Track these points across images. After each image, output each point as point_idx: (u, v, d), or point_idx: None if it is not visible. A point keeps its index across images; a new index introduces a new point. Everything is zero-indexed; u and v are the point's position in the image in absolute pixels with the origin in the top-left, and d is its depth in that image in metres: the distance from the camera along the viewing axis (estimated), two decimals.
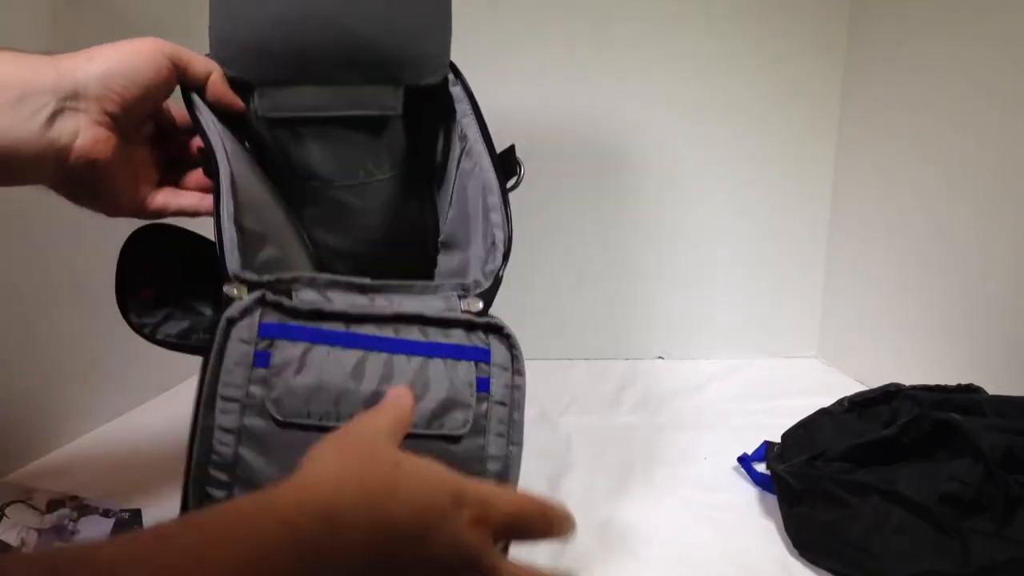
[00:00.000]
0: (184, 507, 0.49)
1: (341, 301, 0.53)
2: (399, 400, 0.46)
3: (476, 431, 0.53)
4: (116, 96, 0.50)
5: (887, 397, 0.71)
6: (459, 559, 0.36)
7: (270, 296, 0.51)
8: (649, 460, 0.79)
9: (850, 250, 1.01)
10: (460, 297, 0.56)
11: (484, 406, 0.54)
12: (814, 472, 0.64)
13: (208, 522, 0.30)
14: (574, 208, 1.02)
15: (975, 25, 0.79)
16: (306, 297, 0.52)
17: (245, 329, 0.50)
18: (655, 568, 0.62)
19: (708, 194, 1.02)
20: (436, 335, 0.54)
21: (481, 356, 0.55)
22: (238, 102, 0.58)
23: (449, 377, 0.53)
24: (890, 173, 0.92)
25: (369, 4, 0.60)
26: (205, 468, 0.48)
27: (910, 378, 0.74)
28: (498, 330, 0.55)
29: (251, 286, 0.51)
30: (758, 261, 1.05)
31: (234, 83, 0.58)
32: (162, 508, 0.68)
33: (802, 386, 0.97)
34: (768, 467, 0.72)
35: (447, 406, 0.52)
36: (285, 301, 0.51)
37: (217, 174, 0.52)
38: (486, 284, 0.57)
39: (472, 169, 0.62)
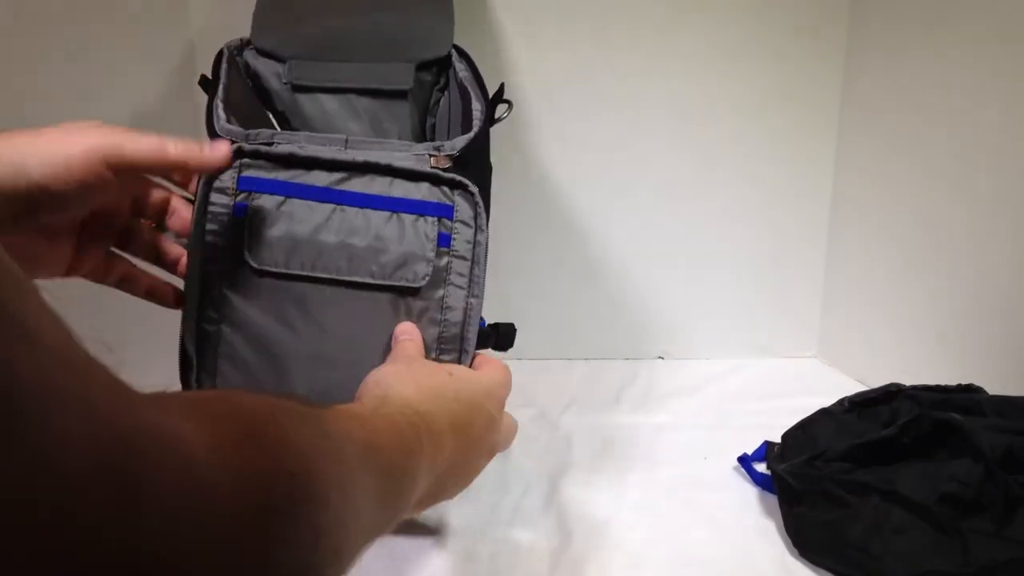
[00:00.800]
0: (182, 342, 0.57)
1: (315, 150, 0.58)
2: (412, 334, 0.56)
3: (435, 283, 0.58)
4: (46, 208, 0.47)
5: (887, 397, 0.71)
6: (492, 432, 0.52)
7: (247, 146, 0.57)
8: (649, 460, 0.79)
9: (850, 250, 1.01)
10: (431, 155, 0.60)
11: (444, 260, 0.58)
12: (814, 472, 0.64)
13: (355, 409, 0.41)
14: (573, 208, 1.02)
15: (975, 26, 0.79)
16: (283, 148, 0.58)
17: (227, 180, 0.56)
18: (655, 568, 0.62)
19: (708, 194, 1.02)
20: (403, 188, 0.58)
21: (445, 212, 0.59)
22: (215, 154, 0.56)
23: (412, 231, 0.58)
24: (890, 173, 0.92)
25: None
26: (197, 308, 0.56)
27: (910, 378, 0.74)
28: (463, 186, 0.59)
29: (234, 142, 0.57)
30: (758, 261, 1.05)
31: (268, 55, 0.67)
32: None
33: (802, 386, 0.96)
34: (768, 467, 0.72)
35: (407, 259, 0.57)
36: (262, 148, 0.57)
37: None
38: (459, 147, 0.60)
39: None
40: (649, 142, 1.00)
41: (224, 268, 0.56)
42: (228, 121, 0.59)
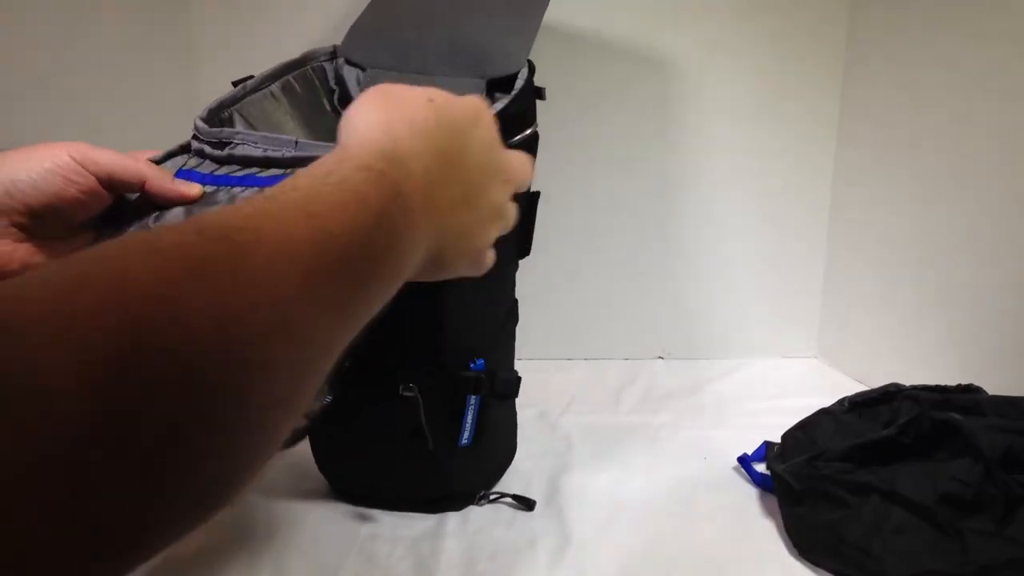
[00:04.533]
0: None
1: (248, 150, 0.58)
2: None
3: None
4: (23, 208, 0.48)
5: (887, 397, 0.71)
6: (490, 161, 0.43)
7: (195, 144, 0.59)
8: (649, 460, 0.79)
9: (850, 251, 1.01)
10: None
11: None
12: (814, 472, 0.64)
13: (302, 183, 0.32)
14: (573, 209, 1.02)
15: (975, 26, 0.79)
16: (238, 149, 0.58)
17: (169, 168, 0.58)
18: (655, 568, 0.62)
19: (708, 194, 1.02)
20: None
21: None
22: (185, 194, 0.57)
23: None
24: (890, 173, 0.92)
25: (469, 16, 0.72)
26: None
27: (910, 378, 0.74)
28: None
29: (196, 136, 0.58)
30: (758, 261, 1.05)
31: (354, 64, 0.70)
32: None
33: (802, 386, 0.97)
34: (768, 467, 0.72)
35: None
36: (206, 148, 0.58)
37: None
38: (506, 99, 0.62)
39: None
40: (648, 142, 1.00)
41: None
42: (204, 120, 0.61)
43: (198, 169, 0.58)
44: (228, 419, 0.24)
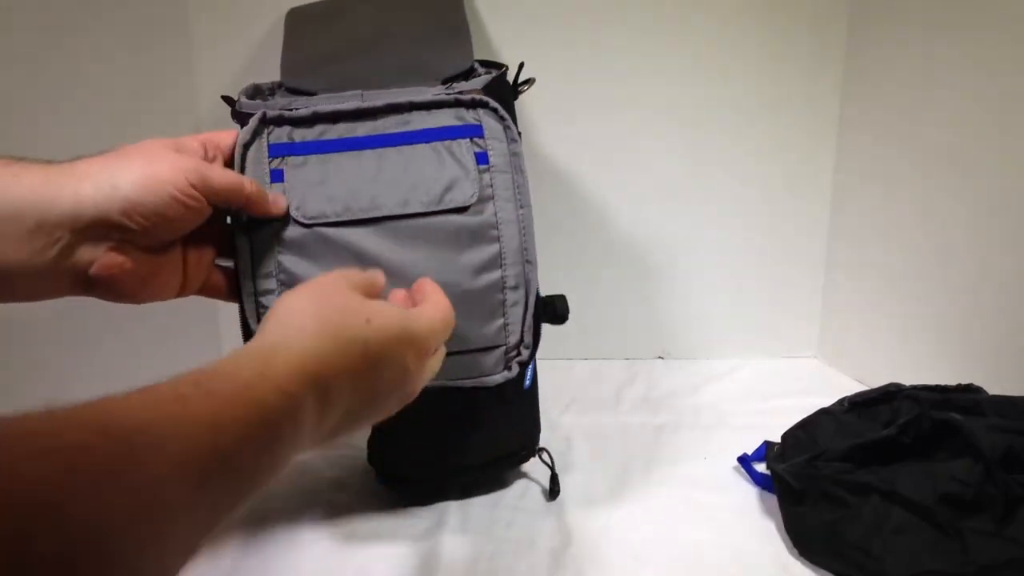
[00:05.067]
0: (243, 314, 0.58)
1: (335, 106, 0.61)
2: (373, 273, 0.52)
3: (483, 199, 0.59)
4: (136, 227, 0.49)
5: (887, 397, 0.71)
6: (403, 385, 0.47)
7: (270, 113, 0.60)
8: (649, 460, 0.79)
9: (850, 250, 1.01)
10: (448, 88, 0.63)
11: (487, 176, 0.60)
12: (814, 472, 0.64)
13: (218, 389, 0.33)
14: (573, 208, 1.02)
15: (975, 26, 0.79)
16: (303, 111, 0.60)
17: (255, 150, 0.59)
18: (655, 568, 0.62)
19: (708, 194, 1.02)
20: (431, 120, 0.60)
21: (474, 132, 0.61)
22: (277, 212, 0.59)
23: (449, 157, 0.59)
24: (890, 173, 0.92)
25: (404, 24, 0.74)
26: (255, 280, 0.57)
27: (910, 378, 0.74)
28: (484, 104, 0.61)
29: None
30: (758, 261, 1.05)
31: (299, 92, 0.68)
32: None
33: (802, 386, 0.97)
34: (768, 467, 0.72)
35: (452, 183, 0.59)
36: (285, 113, 0.59)
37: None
38: (479, 87, 0.63)
39: None
40: (648, 142, 1.00)
41: (272, 233, 0.57)
42: (249, 98, 0.63)
43: (286, 139, 0.59)
44: None
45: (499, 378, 0.60)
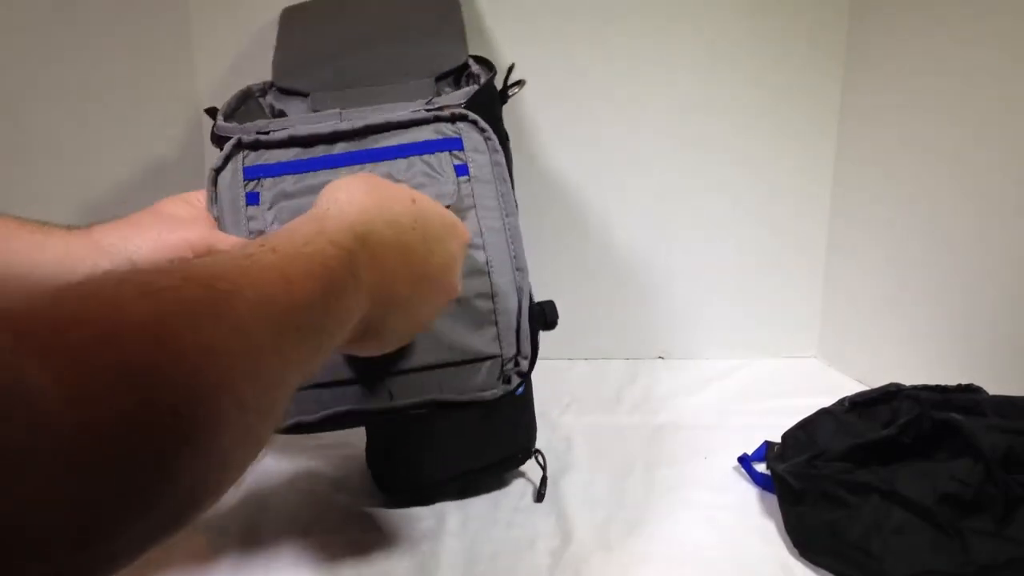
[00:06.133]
0: None
1: (313, 128, 0.59)
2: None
3: (464, 208, 0.59)
4: None
5: (887, 397, 0.71)
6: (450, 273, 0.48)
7: (245, 137, 0.59)
8: (649, 460, 0.79)
9: (850, 250, 1.01)
10: (427, 111, 0.62)
11: (467, 186, 0.60)
12: (814, 472, 0.64)
13: (280, 246, 0.35)
14: (573, 208, 1.02)
15: (975, 24, 0.79)
16: (280, 133, 0.59)
17: (230, 174, 0.58)
18: (655, 568, 0.62)
19: (708, 194, 1.02)
20: (410, 136, 0.60)
21: (454, 145, 0.60)
22: None
23: (427, 169, 0.59)
24: (890, 173, 0.92)
25: (398, 21, 0.73)
26: None
27: (910, 378, 0.74)
28: (463, 117, 0.61)
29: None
30: (758, 261, 1.04)
31: (292, 92, 0.67)
32: None
33: (802, 386, 0.96)
34: (768, 467, 0.72)
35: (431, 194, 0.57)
36: (261, 137, 0.59)
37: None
38: (460, 100, 0.62)
39: None
40: (648, 142, 1.00)
41: None
42: (225, 120, 0.62)
43: (262, 161, 0.59)
44: (201, 447, 0.26)
45: (498, 391, 0.59)
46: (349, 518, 0.69)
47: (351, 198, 0.42)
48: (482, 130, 0.60)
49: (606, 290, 1.05)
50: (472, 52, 0.72)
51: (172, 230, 0.53)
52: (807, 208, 1.03)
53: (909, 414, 0.65)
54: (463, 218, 0.59)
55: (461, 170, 0.60)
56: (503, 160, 0.60)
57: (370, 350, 0.48)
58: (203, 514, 0.28)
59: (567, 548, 0.64)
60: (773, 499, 0.68)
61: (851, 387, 0.93)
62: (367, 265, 0.39)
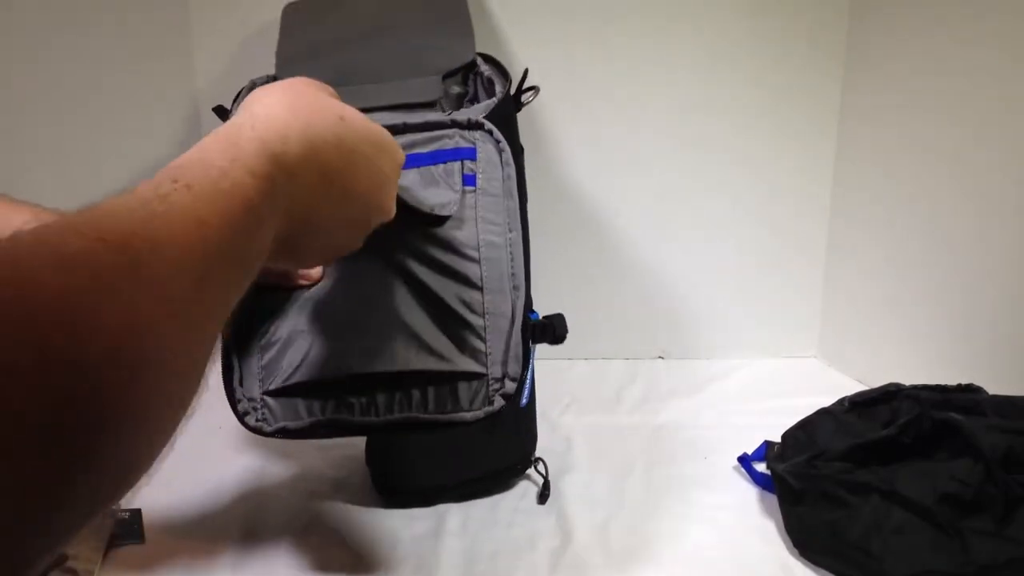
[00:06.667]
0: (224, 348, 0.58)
1: None
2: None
3: (465, 219, 0.58)
4: None
5: (887, 397, 0.71)
6: (380, 192, 0.46)
7: None
8: (649, 460, 0.79)
9: (850, 250, 1.00)
10: (450, 115, 0.60)
11: (471, 197, 0.58)
12: (814, 472, 0.64)
13: (195, 182, 0.33)
14: (573, 208, 1.02)
15: (975, 24, 0.79)
16: None
17: None
18: (655, 568, 0.62)
19: (708, 194, 1.02)
20: (420, 143, 0.58)
21: (467, 154, 0.59)
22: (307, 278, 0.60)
23: (439, 180, 0.58)
24: (890, 173, 0.92)
25: (404, 16, 0.72)
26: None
27: (910, 378, 0.74)
28: (480, 126, 0.59)
29: None
30: (758, 261, 1.04)
31: None
32: (162, 510, 0.68)
33: (802, 386, 0.96)
34: (768, 467, 0.72)
35: (439, 209, 0.57)
36: None
37: None
38: (479, 114, 0.60)
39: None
40: (648, 142, 1.00)
41: None
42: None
43: None
44: (132, 414, 0.26)
45: (480, 414, 0.57)
46: (349, 518, 0.69)
47: (269, 112, 0.40)
48: (497, 141, 0.59)
49: (606, 290, 1.05)
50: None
51: None
52: (807, 208, 1.03)
53: (909, 414, 0.65)
54: (459, 228, 0.58)
55: (468, 180, 0.58)
56: (515, 175, 0.59)
57: (284, 265, 0.47)
58: (133, 485, 0.28)
59: (567, 548, 0.64)
60: (773, 499, 0.68)
61: (851, 387, 0.93)
62: (285, 186, 0.37)
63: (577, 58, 0.97)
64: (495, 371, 0.57)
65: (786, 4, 0.96)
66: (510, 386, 0.57)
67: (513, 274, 0.58)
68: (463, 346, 0.57)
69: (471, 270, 0.57)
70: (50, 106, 0.77)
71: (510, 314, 0.58)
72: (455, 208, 0.57)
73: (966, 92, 0.80)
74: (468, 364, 0.57)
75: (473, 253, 0.58)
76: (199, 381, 0.31)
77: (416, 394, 0.57)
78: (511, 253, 0.58)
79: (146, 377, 0.26)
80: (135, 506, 0.66)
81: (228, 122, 0.39)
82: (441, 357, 0.56)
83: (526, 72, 0.68)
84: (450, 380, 0.57)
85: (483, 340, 0.57)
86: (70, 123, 0.80)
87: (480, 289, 0.57)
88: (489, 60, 0.70)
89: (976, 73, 0.79)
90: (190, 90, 0.97)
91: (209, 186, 0.33)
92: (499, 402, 0.57)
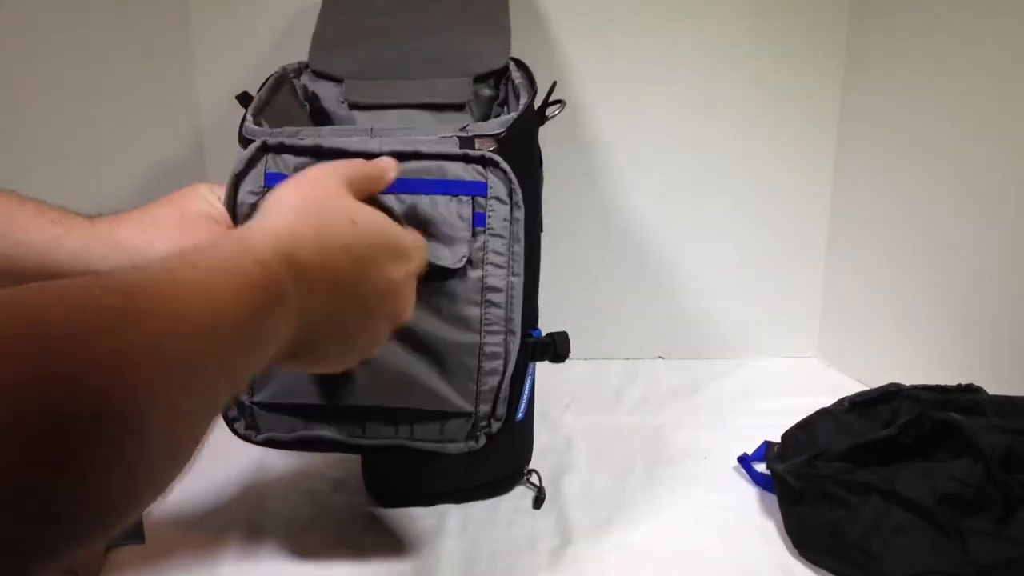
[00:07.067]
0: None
1: (341, 142, 0.56)
2: (379, 162, 0.50)
3: (474, 263, 0.57)
4: None
5: (887, 397, 0.71)
6: (392, 299, 0.46)
7: (271, 140, 0.56)
8: (649, 460, 0.79)
9: (850, 250, 1.01)
10: (461, 139, 0.58)
11: (481, 240, 0.57)
12: (814, 472, 0.64)
13: (201, 262, 0.33)
14: (573, 208, 1.02)
15: (975, 24, 0.79)
16: (308, 140, 0.56)
17: (252, 181, 0.55)
18: (655, 568, 0.62)
19: (708, 194, 1.02)
20: (432, 171, 0.57)
21: (478, 190, 0.57)
22: None
23: (447, 212, 0.56)
24: (890, 173, 0.92)
25: (443, 13, 0.71)
26: None
27: (910, 378, 0.74)
28: (494, 163, 0.57)
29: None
30: (758, 261, 1.04)
31: (326, 77, 0.66)
32: (162, 510, 0.68)
33: (802, 386, 0.96)
34: (768, 467, 0.72)
35: (443, 241, 0.56)
36: (286, 141, 0.56)
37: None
38: (496, 129, 0.58)
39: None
40: (648, 142, 1.00)
41: None
42: (255, 124, 0.60)
43: (282, 169, 0.57)
44: (122, 452, 0.26)
45: (463, 448, 0.58)
46: (349, 518, 0.69)
47: (278, 215, 0.40)
48: (509, 181, 0.58)
49: (606, 290, 1.05)
50: None
51: (188, 234, 0.52)
52: (807, 208, 1.03)
53: (909, 414, 0.65)
54: (468, 273, 0.57)
55: (479, 219, 0.57)
56: (522, 217, 0.58)
57: (309, 368, 0.46)
58: (117, 529, 0.28)
59: (567, 548, 0.64)
60: (773, 499, 0.68)
61: (851, 387, 0.93)
62: (292, 285, 0.38)
63: (577, 58, 0.97)
64: (483, 410, 0.58)
65: (786, 4, 0.96)
66: (495, 426, 0.58)
67: (510, 319, 0.58)
68: (456, 386, 0.57)
69: (471, 312, 0.57)
70: (50, 106, 0.77)
71: (504, 358, 0.58)
72: (466, 259, 0.57)
73: (966, 92, 0.80)
74: (459, 403, 0.57)
75: (475, 297, 0.57)
76: (196, 441, 0.31)
77: (404, 426, 0.57)
78: (511, 296, 0.58)
79: (141, 409, 0.26)
80: None
81: (242, 225, 0.41)
82: (435, 396, 0.57)
83: (553, 85, 0.66)
84: (441, 417, 0.57)
85: (475, 382, 0.57)
86: (70, 123, 0.80)
87: (478, 332, 0.57)
88: (521, 67, 0.69)
89: (976, 73, 0.79)
90: (190, 90, 0.97)
91: (215, 265, 0.34)
92: (483, 440, 0.58)
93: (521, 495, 0.73)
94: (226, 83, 0.94)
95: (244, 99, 0.64)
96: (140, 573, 0.61)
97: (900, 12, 0.89)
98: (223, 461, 0.75)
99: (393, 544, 0.65)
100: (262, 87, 0.65)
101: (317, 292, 0.40)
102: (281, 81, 0.68)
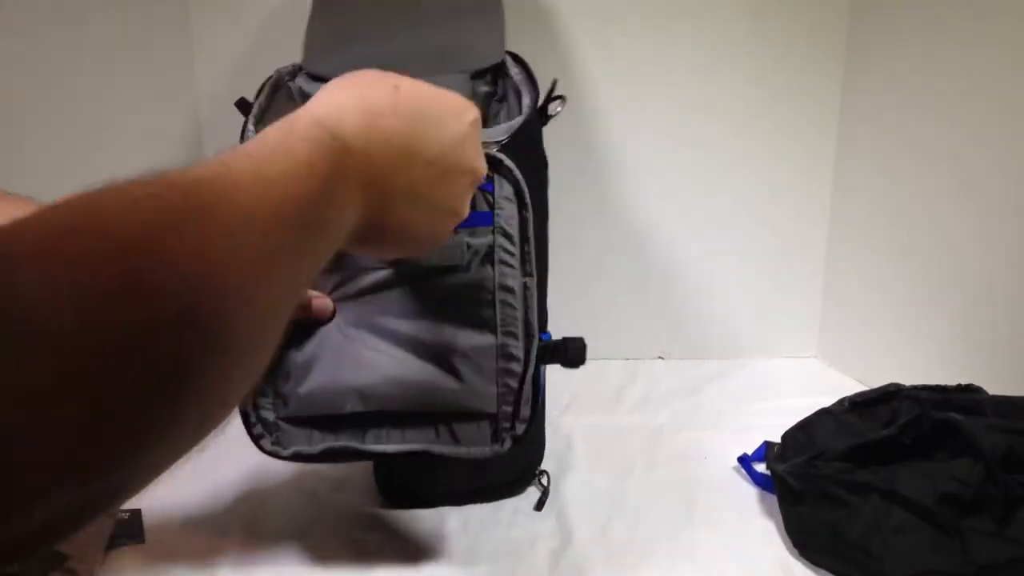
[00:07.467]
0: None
1: None
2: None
3: (483, 262, 0.57)
4: None
5: (887, 397, 0.71)
6: (459, 151, 0.44)
7: None
8: (649, 460, 0.79)
9: (850, 250, 1.01)
10: None
11: (488, 238, 0.57)
12: (814, 472, 0.64)
13: (254, 150, 0.34)
14: (573, 208, 1.02)
15: (975, 24, 0.79)
16: None
17: None
18: (655, 568, 0.62)
19: (708, 194, 1.02)
20: None
21: (485, 187, 0.57)
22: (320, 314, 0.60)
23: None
24: (890, 173, 0.92)
25: (436, 9, 0.70)
26: None
27: (910, 378, 0.74)
28: (498, 163, 0.57)
29: None
30: (758, 261, 1.05)
31: (320, 78, 0.66)
32: (162, 510, 0.68)
33: (802, 386, 0.96)
34: (768, 467, 0.72)
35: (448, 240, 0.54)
36: None
37: None
38: (501, 135, 0.58)
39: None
40: (648, 142, 1.00)
41: None
42: (258, 121, 0.60)
43: None
44: (217, 347, 0.26)
45: (488, 452, 0.58)
46: (349, 518, 0.69)
47: (320, 97, 0.41)
48: (515, 181, 0.58)
49: (606, 290, 1.05)
50: None
51: None
52: (807, 208, 1.03)
53: (909, 414, 0.65)
54: (476, 270, 0.57)
55: (486, 218, 0.58)
56: (530, 217, 0.58)
57: (398, 245, 0.44)
58: (217, 427, 0.28)
59: (567, 548, 0.64)
60: (773, 499, 0.68)
61: (851, 387, 0.93)
62: (344, 154, 0.37)
63: (577, 58, 0.97)
64: (506, 412, 0.58)
65: (786, 4, 0.96)
66: (520, 428, 0.58)
67: (527, 321, 0.58)
68: (477, 389, 0.57)
69: (486, 313, 0.58)
70: (50, 106, 0.77)
71: (523, 360, 0.58)
72: (475, 254, 0.57)
73: (966, 92, 0.80)
74: (481, 406, 0.58)
75: (488, 297, 0.57)
76: (279, 329, 0.31)
77: (429, 429, 0.58)
78: (526, 297, 0.58)
79: (226, 306, 0.27)
80: (135, 506, 0.66)
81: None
82: (455, 399, 0.57)
83: (555, 83, 0.66)
84: (463, 419, 0.58)
85: (495, 383, 0.58)
86: (70, 123, 0.80)
87: (494, 333, 0.57)
88: (519, 62, 0.69)
89: (976, 73, 0.79)
90: (190, 89, 0.97)
91: (267, 152, 0.34)
92: (508, 443, 0.58)
93: (522, 495, 0.73)
94: (226, 83, 0.94)
95: (243, 106, 0.64)
96: (140, 573, 0.61)
97: (900, 12, 0.89)
98: (224, 461, 0.75)
99: (394, 544, 0.65)
100: (259, 93, 0.66)
101: (372, 156, 0.39)
102: (277, 85, 0.68)
